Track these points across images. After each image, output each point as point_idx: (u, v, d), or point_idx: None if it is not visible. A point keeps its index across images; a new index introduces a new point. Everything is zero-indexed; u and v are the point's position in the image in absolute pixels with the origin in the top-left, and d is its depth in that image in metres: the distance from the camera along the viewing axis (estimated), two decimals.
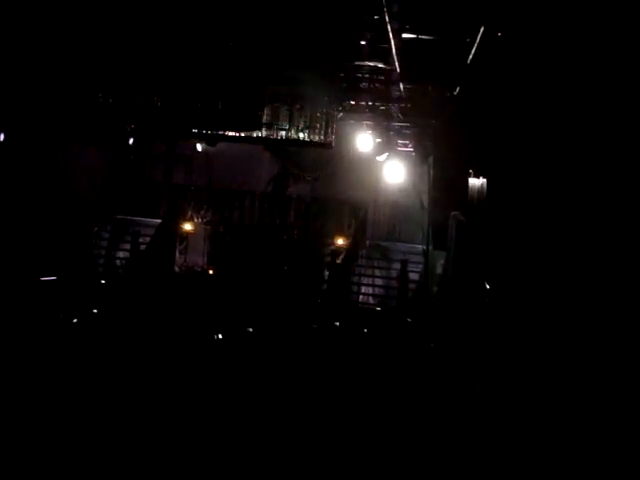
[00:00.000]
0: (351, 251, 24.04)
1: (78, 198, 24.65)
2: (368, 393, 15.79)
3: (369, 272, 23.99)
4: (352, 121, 22.23)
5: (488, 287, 15.87)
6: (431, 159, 21.83)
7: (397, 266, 23.51)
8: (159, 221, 25.28)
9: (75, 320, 19.75)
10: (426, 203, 22.24)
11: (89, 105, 22.61)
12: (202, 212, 26.04)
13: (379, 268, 23.98)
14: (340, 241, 24.54)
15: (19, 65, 19.75)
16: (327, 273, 23.91)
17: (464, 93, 18.34)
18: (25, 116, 22.65)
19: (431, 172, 21.77)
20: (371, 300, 23.69)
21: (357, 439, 13.40)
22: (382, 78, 19.29)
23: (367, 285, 23.95)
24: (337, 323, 20.81)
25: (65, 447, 12.10)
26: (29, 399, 13.90)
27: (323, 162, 24.31)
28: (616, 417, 10.79)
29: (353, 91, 20.47)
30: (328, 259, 24.05)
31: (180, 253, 25.33)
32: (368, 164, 22.87)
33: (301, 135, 23.08)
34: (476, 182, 18.15)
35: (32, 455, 11.61)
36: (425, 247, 22.01)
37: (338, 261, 23.79)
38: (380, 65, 17.88)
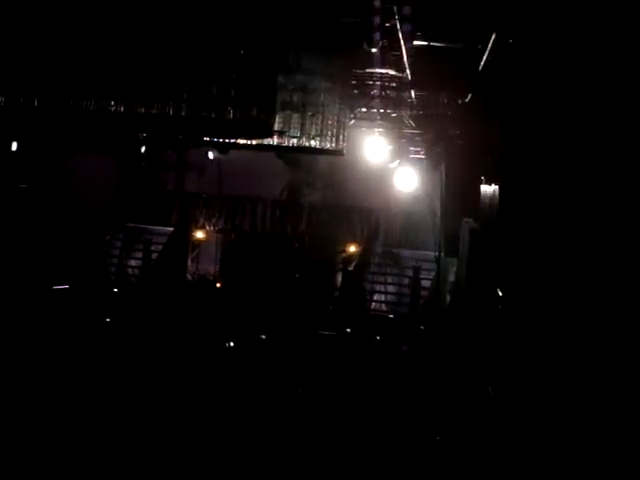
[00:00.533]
0: (363, 258, 24.02)
1: (90, 207, 24.69)
2: (380, 400, 15.78)
3: (381, 279, 23.99)
4: (364, 128, 22.23)
5: (501, 294, 15.80)
6: (443, 166, 21.80)
7: (409, 273, 23.50)
8: (171, 229, 25.31)
9: (88, 328, 19.80)
10: (438, 210, 22.21)
11: (100, 113, 22.64)
12: (214, 220, 26.07)
13: (391, 275, 23.98)
14: (352, 248, 24.53)
15: (29, 72, 19.79)
16: (339, 280, 23.91)
17: (476, 100, 18.31)
18: (36, 124, 22.69)
19: (443, 179, 21.74)
20: (383, 307, 23.68)
21: (367, 443, 13.39)
22: (394, 85, 19.27)
23: (379, 292, 23.93)
24: (349, 330, 20.78)
25: (72, 447, 12.13)
26: (40, 403, 13.94)
27: (335, 170, 24.30)
28: (633, 420, 10.73)
29: (364, 98, 20.47)
30: (340, 266, 24.05)
31: (192, 261, 25.36)
32: (380, 171, 22.86)
33: (313, 143, 23.05)
34: (488, 189, 18.10)
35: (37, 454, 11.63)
36: (437, 254, 21.97)
37: (350, 268, 23.78)
38: (392, 72, 17.87)
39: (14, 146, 23.37)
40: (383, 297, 23.82)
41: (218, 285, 24.35)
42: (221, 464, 12.40)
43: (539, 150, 12.10)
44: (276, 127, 22.26)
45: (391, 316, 23.04)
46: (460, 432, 13.96)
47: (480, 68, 14.98)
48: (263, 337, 19.78)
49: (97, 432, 13.10)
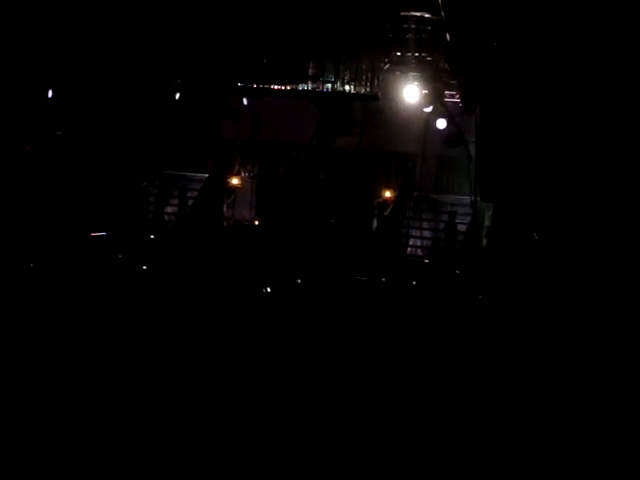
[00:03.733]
0: (398, 203, 23.94)
1: (126, 154, 24.77)
2: (415, 346, 15.83)
3: (417, 224, 23.93)
4: (398, 73, 22.06)
5: (536, 238, 15.77)
6: (478, 109, 21.61)
7: (445, 218, 23.39)
8: (206, 176, 25.34)
9: (125, 275, 20.00)
10: (473, 154, 22.06)
11: (135, 60, 22.66)
12: (249, 166, 26.05)
13: (427, 220, 23.90)
14: (387, 194, 24.43)
15: (66, 23, 19.82)
16: (375, 225, 23.89)
17: (511, 43, 18.10)
18: (72, 71, 22.76)
19: (478, 123, 21.56)
20: (419, 252, 23.65)
21: (403, 393, 13.46)
22: (429, 28, 19.09)
23: (415, 237, 23.89)
24: (385, 276, 20.80)
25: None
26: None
27: (369, 114, 24.14)
28: None
29: (399, 42, 20.29)
30: (375, 212, 24.01)
31: (228, 207, 25.41)
32: (415, 116, 22.72)
33: (347, 87, 22.95)
34: (524, 132, 17.97)
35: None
36: (473, 198, 21.87)
37: (386, 213, 23.73)
38: (426, 15, 17.70)
39: (50, 94, 23.48)
40: (419, 242, 23.76)
41: (255, 224, 24.38)
42: (267, 404, 12.52)
43: (578, 96, 12.00)
44: (310, 72, 22.18)
45: (427, 261, 23.00)
46: (497, 375, 13.99)
47: (517, 10, 14.80)
48: (298, 281, 19.86)
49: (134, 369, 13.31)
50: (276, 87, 22.47)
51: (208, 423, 11.77)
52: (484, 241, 21.94)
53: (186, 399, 12.59)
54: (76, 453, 10.53)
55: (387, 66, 21.73)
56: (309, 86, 22.37)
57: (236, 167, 25.89)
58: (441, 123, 21.87)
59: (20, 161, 23.41)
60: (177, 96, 24.96)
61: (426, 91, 21.56)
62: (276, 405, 12.59)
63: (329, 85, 22.80)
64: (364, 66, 22.40)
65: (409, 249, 23.67)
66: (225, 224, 24.89)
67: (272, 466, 10.62)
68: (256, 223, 24.58)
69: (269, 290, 19.28)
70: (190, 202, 24.89)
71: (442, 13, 16.68)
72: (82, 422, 11.44)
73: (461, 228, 22.97)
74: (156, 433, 11.34)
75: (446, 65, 20.83)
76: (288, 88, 22.40)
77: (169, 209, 25.43)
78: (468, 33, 19.22)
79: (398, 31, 19.60)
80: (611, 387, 12.16)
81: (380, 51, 20.88)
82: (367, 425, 12.04)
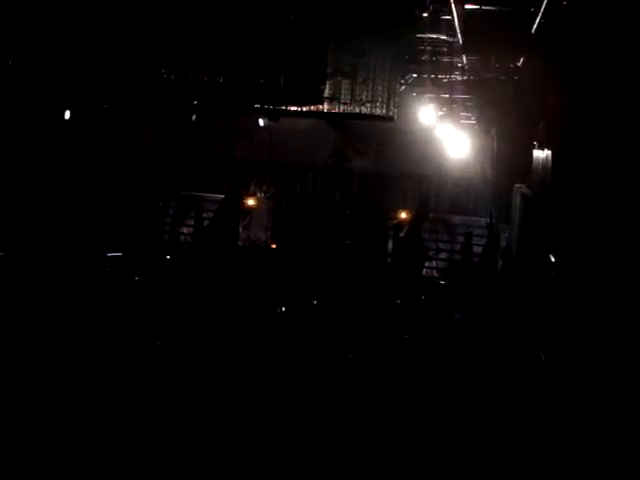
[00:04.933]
0: (414, 225, 23.97)
1: (142, 175, 24.89)
2: (431, 366, 15.81)
3: (433, 246, 23.94)
4: (414, 94, 22.12)
5: (553, 260, 15.70)
6: (494, 131, 21.65)
7: (461, 239, 23.41)
8: (222, 196, 25.43)
9: (141, 296, 20.03)
10: (489, 176, 22.09)
11: (152, 81, 22.78)
12: (264, 187, 26.15)
13: (443, 242, 23.91)
14: (403, 215, 24.48)
15: (81, 42, 19.94)
16: (390, 247, 23.91)
17: (528, 64, 18.12)
18: (90, 93, 22.90)
19: (494, 144, 21.59)
20: (435, 273, 23.65)
21: (418, 410, 13.46)
22: (445, 50, 19.15)
23: (431, 258, 23.90)
24: (400, 299, 20.79)
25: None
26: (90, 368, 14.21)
27: (385, 136, 24.21)
28: None
29: (415, 64, 20.36)
30: (391, 233, 24.04)
31: (243, 228, 25.48)
32: (431, 137, 22.76)
33: (363, 109, 22.99)
34: (541, 154, 17.93)
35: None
36: (489, 220, 21.88)
37: (401, 235, 23.75)
38: (442, 37, 17.75)
39: (67, 115, 23.61)
40: (434, 263, 23.79)
41: (271, 248, 24.42)
42: (273, 424, 12.53)
43: (594, 115, 11.96)
44: (326, 93, 22.24)
45: (442, 282, 23.00)
46: (512, 398, 13.95)
47: (533, 31, 14.81)
48: (314, 302, 19.87)
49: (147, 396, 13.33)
50: (292, 108, 22.52)
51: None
52: (500, 263, 21.93)
53: (193, 409, 12.63)
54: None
55: (403, 88, 21.78)
56: (325, 107, 22.40)
57: (252, 188, 25.99)
58: (457, 144, 21.90)
59: (38, 182, 23.53)
60: (193, 117, 25.11)
61: (442, 112, 21.61)
62: (281, 415, 12.65)
63: (345, 106, 22.85)
64: (380, 88, 22.45)
65: (425, 270, 23.68)
66: (240, 245, 24.95)
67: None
68: (273, 247, 24.61)
69: (284, 310, 19.30)
70: (206, 223, 24.97)
71: (459, 35, 16.68)
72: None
73: (477, 250, 22.99)
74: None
75: (462, 86, 20.87)
76: (304, 109, 22.44)
77: (185, 229, 25.53)
78: (484, 55, 19.27)
79: (414, 53, 19.67)
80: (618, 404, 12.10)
81: (396, 72, 20.91)
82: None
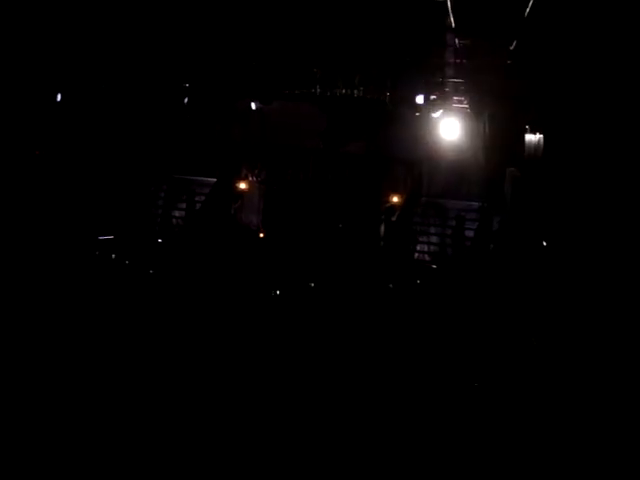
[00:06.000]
0: (406, 208, 23.95)
1: (134, 158, 24.81)
2: (423, 348, 15.85)
3: (424, 229, 23.92)
4: (407, 78, 22.05)
5: (545, 244, 15.74)
6: (486, 115, 21.62)
7: (452, 223, 23.39)
8: (214, 180, 25.37)
9: (132, 279, 20.02)
10: (482, 160, 22.06)
11: (144, 64, 22.70)
12: (256, 170, 26.06)
13: (434, 225, 23.88)
14: (395, 199, 24.42)
15: (74, 26, 19.87)
16: (382, 230, 23.90)
17: (521, 47, 18.09)
18: (81, 74, 22.81)
19: (487, 128, 21.57)
20: (427, 257, 23.64)
21: (413, 393, 13.48)
22: (439, 34, 19.11)
23: (422, 242, 23.88)
24: (392, 282, 20.82)
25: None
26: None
27: (378, 119, 24.15)
28: None
29: (409, 48, 20.31)
30: (383, 217, 24.01)
31: (235, 212, 25.42)
32: (423, 121, 22.72)
33: (355, 92, 22.98)
34: (533, 138, 17.95)
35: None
36: (481, 204, 21.88)
37: (393, 219, 23.73)
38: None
39: (58, 97, 23.53)
40: (426, 247, 23.77)
41: (261, 235, 24.42)
42: (270, 412, 12.54)
43: (585, 98, 11.96)
44: (319, 77, 22.21)
45: (434, 266, 23.00)
46: (503, 381, 13.98)
47: (526, 14, 14.80)
48: (312, 285, 19.91)
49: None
50: (285, 91, 22.48)
51: (210, 423, 11.81)
52: (491, 247, 21.94)
53: (189, 400, 12.62)
54: (76, 453, 10.54)
55: (396, 71, 21.74)
56: (318, 90, 22.38)
57: (243, 172, 25.91)
58: (449, 128, 21.89)
59: (29, 165, 23.45)
60: (186, 100, 25.01)
61: (434, 96, 21.57)
62: (279, 405, 12.64)
63: (338, 90, 22.83)
64: (373, 71, 22.43)
65: (416, 254, 23.66)
66: (232, 228, 24.88)
67: (273, 466, 10.65)
68: (263, 231, 24.58)
69: (278, 293, 19.32)
70: (198, 206, 24.93)
71: (451, 18, 16.67)
72: (83, 422, 11.48)
73: (469, 234, 22.98)
74: (157, 433, 11.38)
75: (454, 70, 20.84)
76: (297, 92, 22.41)
77: (177, 213, 25.46)
78: (480, 37, 19.24)
79: (408, 37, 19.63)
80: (617, 390, 12.13)
81: (389, 56, 20.88)
82: (369, 425, 12.08)
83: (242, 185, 25.52)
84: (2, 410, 11.62)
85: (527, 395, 13.02)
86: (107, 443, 10.89)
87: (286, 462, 10.84)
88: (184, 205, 25.30)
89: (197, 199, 25.17)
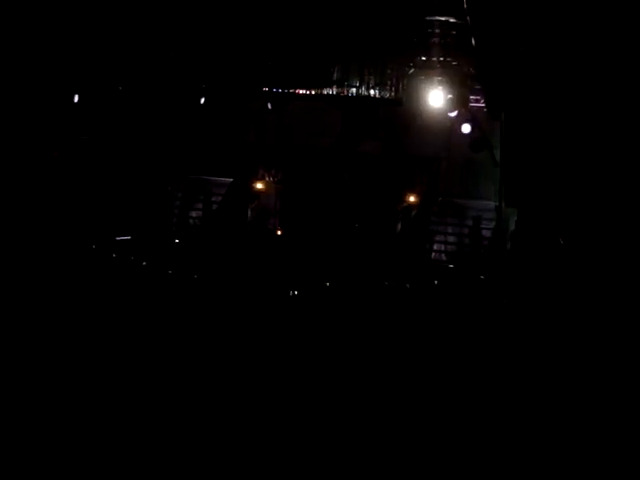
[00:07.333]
0: (423, 208, 23.93)
1: (151, 158, 24.89)
2: (440, 348, 15.83)
3: (441, 229, 23.87)
4: (423, 77, 22.04)
5: (562, 243, 15.70)
6: (503, 114, 21.57)
7: (469, 223, 23.34)
8: (231, 180, 25.43)
9: (150, 279, 20.08)
10: (498, 159, 22.01)
11: (161, 65, 22.78)
12: (273, 170, 26.08)
13: (451, 225, 23.84)
14: (412, 198, 24.40)
15: (91, 28, 19.95)
16: (399, 230, 23.89)
17: (537, 47, 18.06)
18: (98, 75, 22.91)
19: (503, 127, 21.52)
20: (443, 257, 23.60)
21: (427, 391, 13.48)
22: (454, 33, 19.09)
23: (439, 242, 23.84)
24: (409, 282, 20.79)
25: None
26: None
27: (394, 118, 24.13)
28: None
29: (424, 47, 20.30)
30: (400, 216, 24.00)
31: (252, 212, 25.46)
32: (440, 120, 22.69)
33: (372, 92, 22.97)
34: (550, 137, 17.91)
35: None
36: (498, 204, 21.82)
37: (410, 218, 23.72)
38: (451, 20, 17.70)
39: (76, 98, 23.64)
40: (443, 247, 23.73)
41: (279, 232, 24.43)
42: (288, 407, 12.57)
43: (606, 104, 11.94)
44: (335, 77, 22.23)
45: (451, 266, 22.96)
46: (521, 379, 13.96)
47: (541, 14, 14.77)
48: (327, 284, 19.91)
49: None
50: (301, 91, 22.51)
51: (221, 422, 11.85)
52: (508, 246, 21.88)
53: (203, 398, 12.67)
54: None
55: (412, 71, 21.73)
56: (334, 91, 22.40)
57: (260, 172, 25.95)
58: (466, 128, 21.85)
59: (47, 166, 23.57)
60: (202, 100, 25.07)
61: (451, 95, 21.53)
62: (293, 402, 12.68)
63: (354, 90, 22.83)
64: (389, 70, 22.41)
65: (433, 253, 23.63)
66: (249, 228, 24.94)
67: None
68: (280, 231, 24.61)
69: (295, 293, 19.34)
70: (215, 206, 24.99)
71: (467, 17, 16.64)
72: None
73: (486, 233, 22.93)
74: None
75: (471, 69, 20.80)
76: (313, 93, 22.43)
77: (194, 213, 25.52)
78: (493, 38, 19.19)
79: (423, 35, 19.61)
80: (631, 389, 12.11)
81: (405, 55, 20.87)
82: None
83: (259, 185, 25.57)
84: (7, 408, 11.66)
85: (538, 393, 13.00)
86: (110, 441, 10.92)
87: (294, 458, 10.86)
88: (201, 205, 25.36)
89: (214, 199, 25.23)
